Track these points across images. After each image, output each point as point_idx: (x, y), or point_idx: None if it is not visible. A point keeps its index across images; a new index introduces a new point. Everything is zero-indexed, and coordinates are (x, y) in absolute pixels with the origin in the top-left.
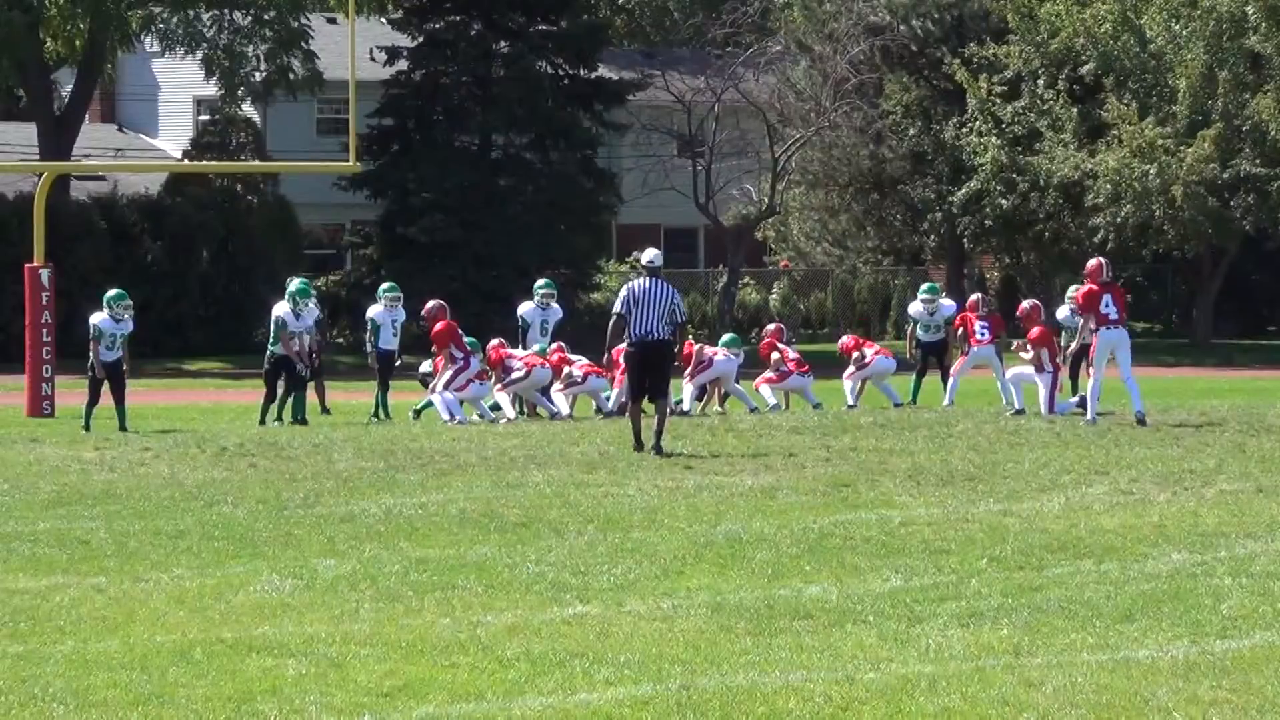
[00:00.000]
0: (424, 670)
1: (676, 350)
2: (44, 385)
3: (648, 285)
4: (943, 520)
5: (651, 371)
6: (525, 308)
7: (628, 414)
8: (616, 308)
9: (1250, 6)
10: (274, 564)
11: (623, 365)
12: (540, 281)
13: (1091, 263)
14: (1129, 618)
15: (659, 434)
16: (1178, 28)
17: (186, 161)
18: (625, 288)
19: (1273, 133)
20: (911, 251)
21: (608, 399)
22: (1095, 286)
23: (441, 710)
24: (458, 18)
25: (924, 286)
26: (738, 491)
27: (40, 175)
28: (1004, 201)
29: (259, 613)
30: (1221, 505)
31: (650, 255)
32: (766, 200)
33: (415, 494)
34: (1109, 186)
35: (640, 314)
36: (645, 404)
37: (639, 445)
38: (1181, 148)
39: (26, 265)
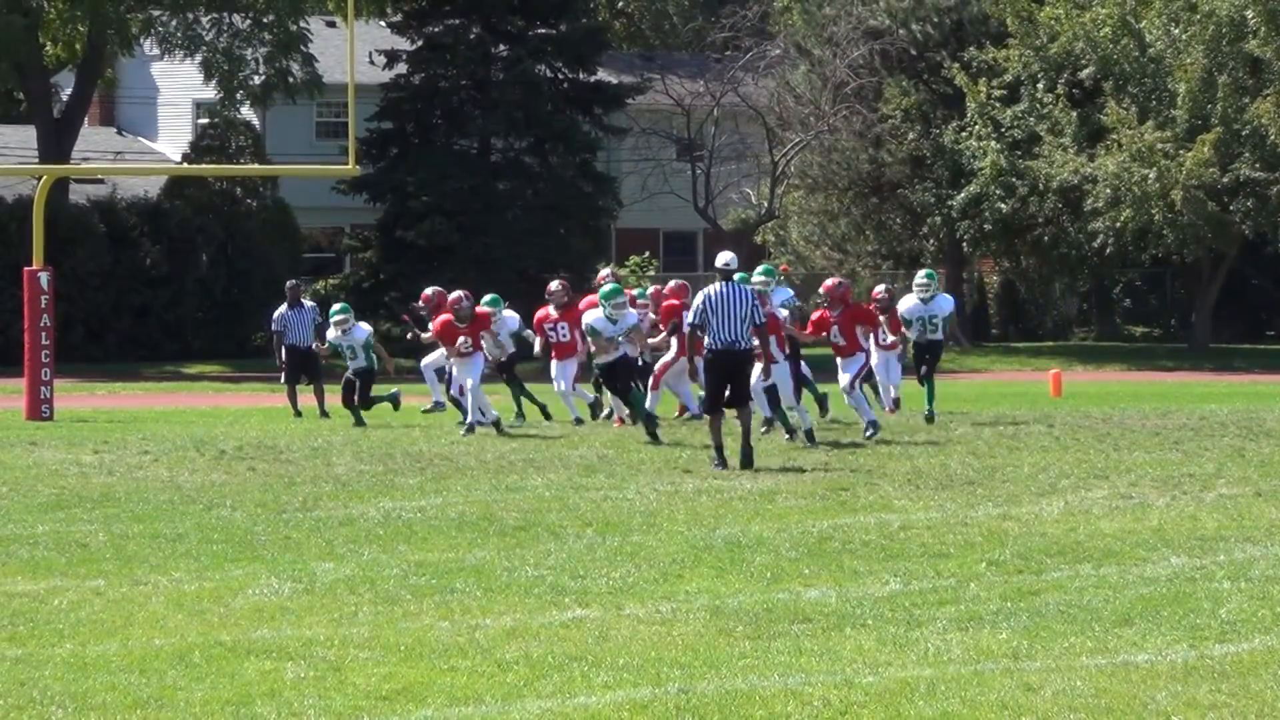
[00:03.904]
0: (423, 673)
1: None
2: (43, 388)
3: (725, 290)
4: (941, 524)
5: (735, 380)
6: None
7: (708, 427)
8: (691, 318)
9: (1250, 11)
10: (273, 567)
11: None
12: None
13: (833, 281)
14: (1128, 622)
15: (748, 448)
16: (1177, 32)
17: (185, 165)
18: (700, 295)
19: (1272, 137)
20: (911, 255)
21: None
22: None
23: (440, 713)
24: (457, 21)
25: (760, 269)
26: (737, 495)
27: (39, 178)
28: (1003, 205)
29: (258, 616)
30: (1220, 509)
31: (726, 258)
32: (766, 204)
33: (414, 497)
34: (1108, 190)
35: (720, 322)
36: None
37: (722, 461)
38: (1181, 152)
39: (25, 268)
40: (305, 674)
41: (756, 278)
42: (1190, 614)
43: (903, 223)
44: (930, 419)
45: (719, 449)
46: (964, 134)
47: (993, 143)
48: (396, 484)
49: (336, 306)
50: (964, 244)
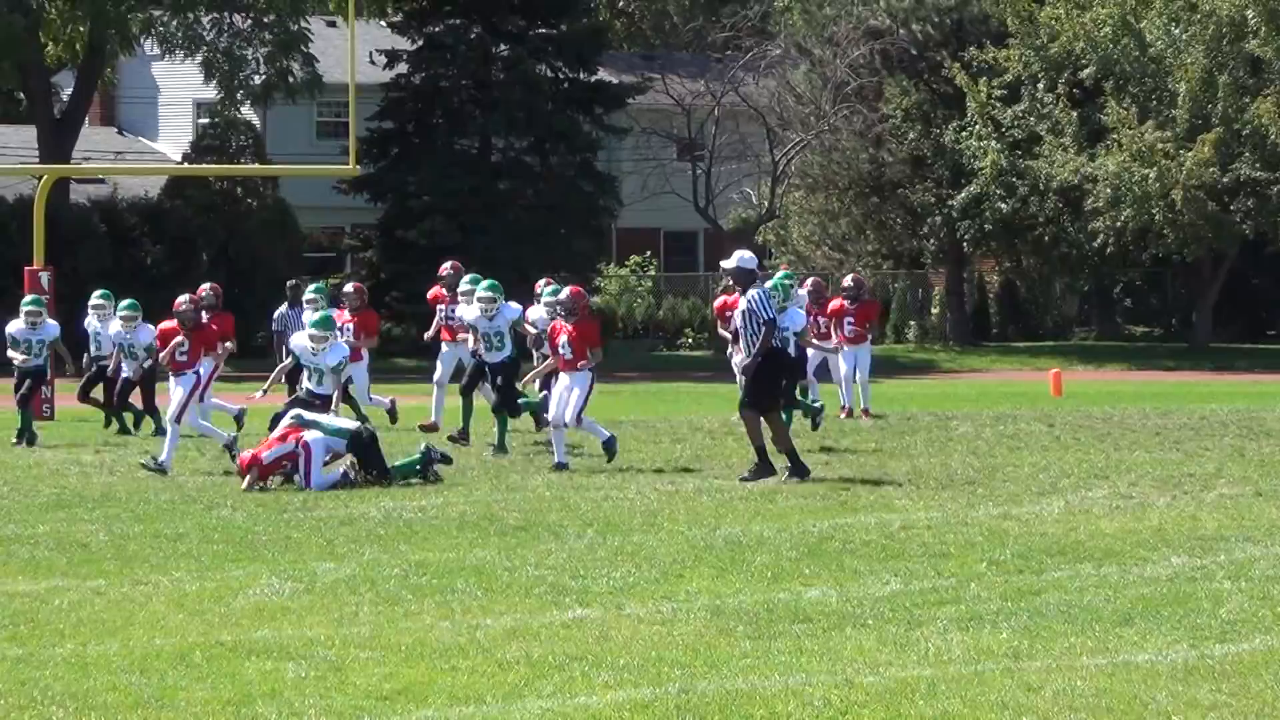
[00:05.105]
0: (423, 673)
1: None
2: (44, 388)
3: (767, 294)
4: (942, 524)
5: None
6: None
7: (750, 428)
8: (770, 314)
9: (1250, 10)
10: (273, 567)
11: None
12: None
13: (574, 289)
14: (1128, 621)
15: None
16: (1177, 31)
17: (186, 165)
18: (761, 296)
19: (1272, 137)
20: (911, 255)
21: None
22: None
23: (441, 713)
24: (457, 21)
25: (468, 276)
26: (737, 495)
27: (40, 178)
28: (1004, 205)
29: (258, 616)
30: (1221, 509)
31: (755, 260)
32: (766, 204)
33: (415, 497)
34: (1109, 190)
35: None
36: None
37: (804, 468)
38: (1181, 152)
39: (26, 268)
40: (306, 674)
41: (482, 292)
42: (1191, 614)
43: (903, 222)
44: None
45: (794, 453)
46: (964, 134)
47: (993, 142)
48: (397, 483)
49: (28, 298)
50: (964, 244)
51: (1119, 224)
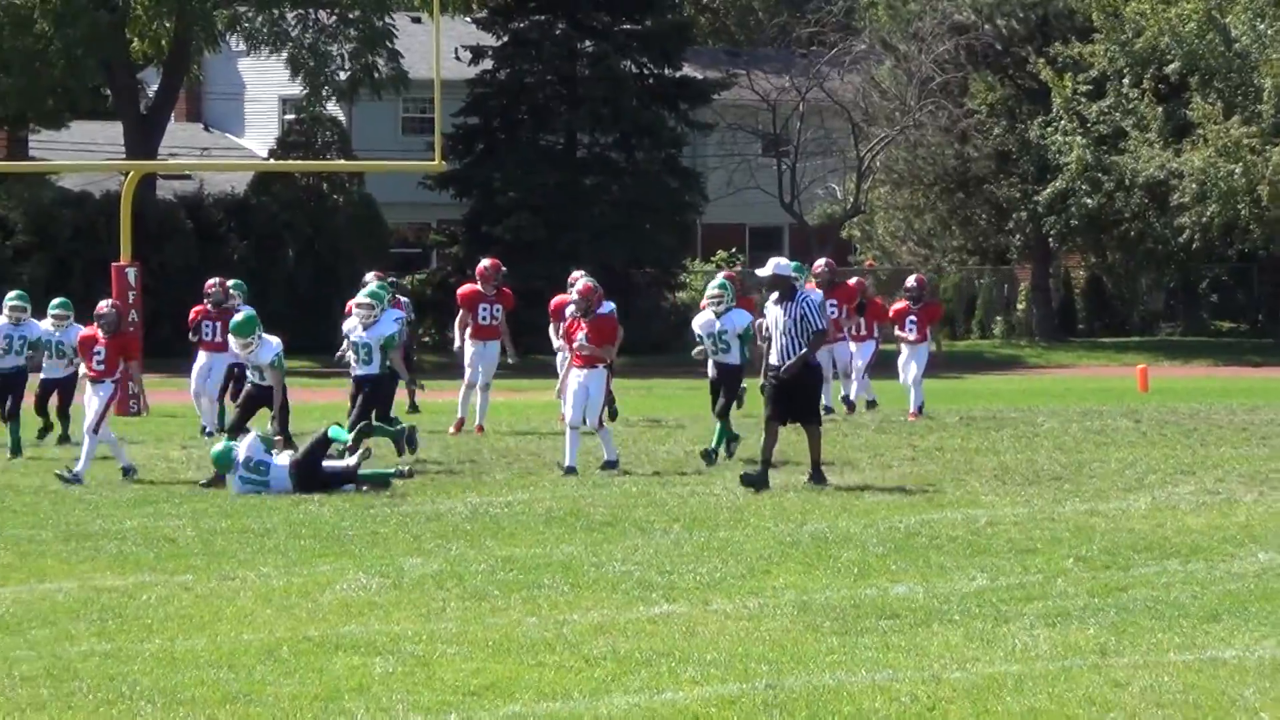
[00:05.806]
0: (511, 669)
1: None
2: (131, 384)
3: None
4: (1029, 520)
5: None
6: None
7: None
8: (822, 324)
9: None
10: (361, 562)
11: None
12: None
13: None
14: (1215, 618)
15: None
16: (1263, 27)
17: (272, 160)
18: (813, 304)
19: None
20: (997, 251)
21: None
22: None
23: (528, 709)
24: (542, 17)
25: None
26: (824, 491)
27: (126, 174)
28: (1089, 201)
29: (346, 611)
30: None
31: (787, 266)
32: (851, 199)
33: (501, 493)
34: (1194, 186)
35: None
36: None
37: (764, 480)
38: (1267, 147)
39: (114, 264)
40: (393, 669)
41: (361, 298)
42: (1278, 610)
43: (988, 218)
44: (708, 458)
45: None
46: (1050, 129)
47: (1079, 138)
48: (484, 479)
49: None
50: (1050, 239)
51: (1205, 219)
